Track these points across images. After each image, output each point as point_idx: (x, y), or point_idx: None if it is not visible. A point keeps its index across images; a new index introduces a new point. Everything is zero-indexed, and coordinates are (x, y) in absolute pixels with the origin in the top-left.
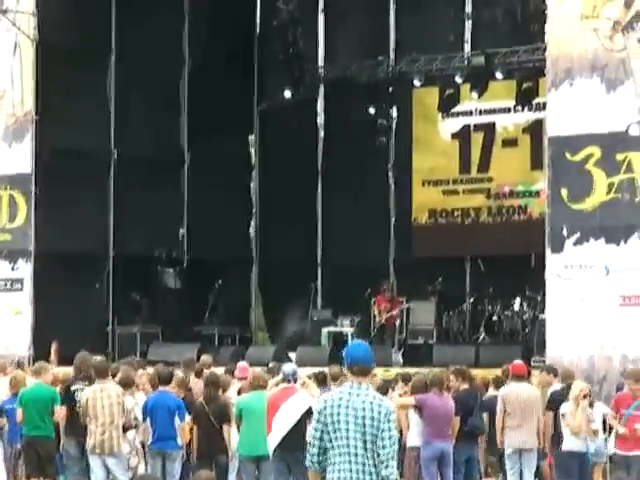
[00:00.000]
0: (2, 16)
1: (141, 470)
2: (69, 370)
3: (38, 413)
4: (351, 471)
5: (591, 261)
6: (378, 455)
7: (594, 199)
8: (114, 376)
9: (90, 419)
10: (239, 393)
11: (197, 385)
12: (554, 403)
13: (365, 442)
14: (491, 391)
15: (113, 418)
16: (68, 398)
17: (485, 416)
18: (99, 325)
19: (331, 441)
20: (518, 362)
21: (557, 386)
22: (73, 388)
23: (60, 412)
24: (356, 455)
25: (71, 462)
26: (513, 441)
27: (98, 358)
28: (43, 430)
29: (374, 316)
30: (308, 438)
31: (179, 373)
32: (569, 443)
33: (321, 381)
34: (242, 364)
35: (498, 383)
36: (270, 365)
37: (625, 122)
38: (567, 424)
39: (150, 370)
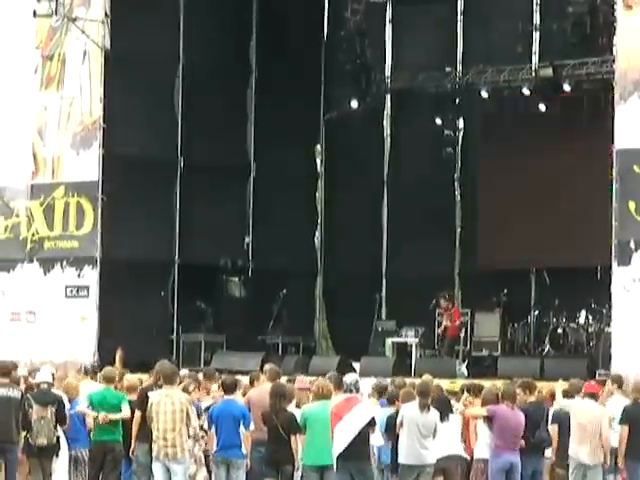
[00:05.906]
0: (72, 24)
1: (200, 479)
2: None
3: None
4: None
5: None
6: None
7: None
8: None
9: (154, 424)
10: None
11: (254, 394)
12: (628, 416)
13: None
14: (560, 401)
15: (175, 425)
16: (143, 404)
17: (554, 428)
18: (164, 333)
19: None
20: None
21: (619, 399)
22: (150, 395)
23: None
24: None
25: (140, 469)
26: (577, 456)
27: (167, 363)
28: (111, 435)
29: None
30: None
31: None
32: None
33: (383, 392)
34: (301, 377)
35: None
36: (328, 375)
37: None
38: None
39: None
